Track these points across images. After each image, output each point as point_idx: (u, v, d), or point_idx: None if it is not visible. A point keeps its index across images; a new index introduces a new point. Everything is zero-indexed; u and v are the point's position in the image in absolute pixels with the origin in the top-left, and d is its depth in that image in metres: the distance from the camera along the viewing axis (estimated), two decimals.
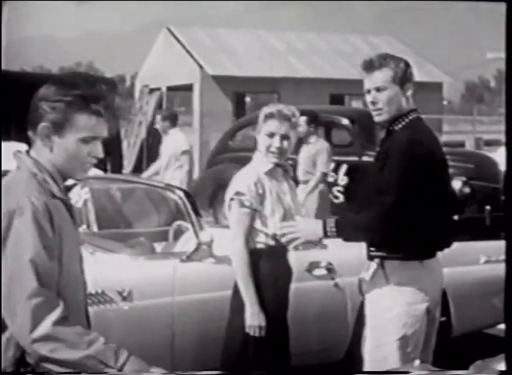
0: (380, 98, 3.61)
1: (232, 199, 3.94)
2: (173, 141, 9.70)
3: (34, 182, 2.45)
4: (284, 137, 3.98)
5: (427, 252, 3.63)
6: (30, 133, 2.53)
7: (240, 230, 3.91)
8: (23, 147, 2.58)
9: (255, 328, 3.85)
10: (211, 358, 4.57)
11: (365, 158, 10.48)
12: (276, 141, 3.97)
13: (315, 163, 8.55)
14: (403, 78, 3.62)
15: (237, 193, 3.92)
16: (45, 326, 2.30)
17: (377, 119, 3.67)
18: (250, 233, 3.93)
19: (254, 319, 3.85)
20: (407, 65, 3.67)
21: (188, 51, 24.72)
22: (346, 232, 3.57)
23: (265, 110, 4.02)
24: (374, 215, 3.50)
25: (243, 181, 3.96)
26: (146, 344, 4.57)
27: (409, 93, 3.65)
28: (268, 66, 24.26)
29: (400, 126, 3.63)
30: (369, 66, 3.63)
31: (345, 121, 11.25)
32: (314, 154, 8.57)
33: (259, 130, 4.04)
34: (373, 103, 3.64)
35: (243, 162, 4.20)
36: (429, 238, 3.58)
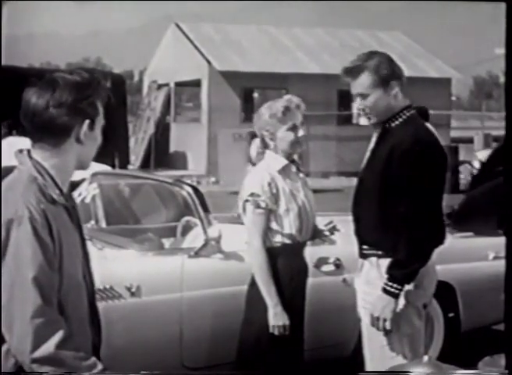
0: (365, 104, 3.60)
1: (247, 201, 3.91)
2: None
3: (34, 187, 2.39)
4: (302, 125, 4.00)
5: (431, 250, 3.61)
6: (48, 139, 2.44)
7: (257, 232, 3.88)
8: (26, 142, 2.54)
9: (280, 328, 3.85)
10: (220, 354, 4.59)
11: None
12: (300, 131, 3.98)
13: None
14: (385, 78, 3.56)
15: (252, 194, 3.89)
16: (47, 348, 2.28)
17: (368, 122, 3.67)
18: (266, 233, 3.91)
19: (277, 319, 3.85)
20: (390, 62, 3.60)
21: (196, 47, 24.73)
22: (407, 277, 3.53)
23: (279, 106, 3.97)
24: (406, 248, 3.49)
25: (256, 182, 3.92)
26: (154, 340, 4.58)
27: (395, 90, 3.58)
28: (276, 61, 24.24)
29: (396, 122, 3.60)
30: (349, 74, 3.60)
31: None
32: None
33: (276, 128, 3.96)
34: (360, 109, 3.64)
35: None
36: (434, 235, 3.57)
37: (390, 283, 3.49)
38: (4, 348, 2.35)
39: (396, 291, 3.49)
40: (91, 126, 2.47)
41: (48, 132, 2.43)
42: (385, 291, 3.50)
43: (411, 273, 3.51)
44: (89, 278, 2.60)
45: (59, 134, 2.44)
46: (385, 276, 3.53)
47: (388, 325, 3.52)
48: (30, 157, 2.46)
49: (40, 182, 2.41)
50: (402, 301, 3.54)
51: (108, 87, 2.53)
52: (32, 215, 2.32)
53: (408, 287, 3.55)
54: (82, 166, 2.56)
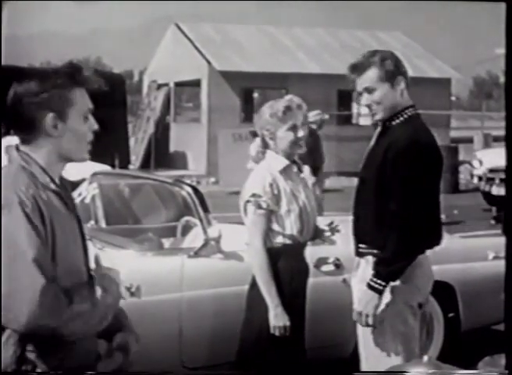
0: (372, 98, 3.60)
1: (248, 201, 3.90)
2: None
3: (23, 175, 2.43)
4: (303, 125, 3.99)
5: (419, 250, 3.62)
6: (23, 134, 2.50)
7: (258, 232, 3.88)
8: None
9: (280, 328, 3.85)
10: (220, 353, 4.59)
11: None
12: (300, 132, 3.97)
13: None
14: (392, 73, 3.57)
15: (253, 195, 3.89)
16: (56, 322, 2.33)
17: (373, 119, 3.68)
18: (267, 233, 3.90)
19: (278, 319, 3.84)
20: (395, 58, 3.62)
21: (196, 47, 24.71)
22: (392, 274, 3.54)
23: (281, 105, 3.97)
24: (394, 248, 3.50)
25: (258, 182, 3.92)
26: (154, 340, 4.58)
27: (402, 86, 3.59)
28: (276, 61, 24.23)
29: (397, 121, 3.61)
30: (356, 69, 3.61)
31: None
32: None
33: (276, 127, 3.96)
34: (367, 105, 3.64)
35: None
36: (424, 236, 3.57)
37: (375, 279, 3.52)
38: (4, 335, 2.37)
39: (380, 287, 3.51)
40: (61, 118, 2.48)
41: (18, 126, 2.49)
42: (369, 286, 3.53)
43: (396, 270, 3.53)
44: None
45: (28, 128, 2.48)
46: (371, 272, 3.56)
47: (370, 320, 3.53)
48: (18, 150, 2.50)
49: (29, 170, 2.45)
50: (387, 298, 3.55)
51: (92, 76, 2.54)
52: (21, 200, 2.36)
53: (403, 286, 3.56)
54: (70, 159, 2.56)
